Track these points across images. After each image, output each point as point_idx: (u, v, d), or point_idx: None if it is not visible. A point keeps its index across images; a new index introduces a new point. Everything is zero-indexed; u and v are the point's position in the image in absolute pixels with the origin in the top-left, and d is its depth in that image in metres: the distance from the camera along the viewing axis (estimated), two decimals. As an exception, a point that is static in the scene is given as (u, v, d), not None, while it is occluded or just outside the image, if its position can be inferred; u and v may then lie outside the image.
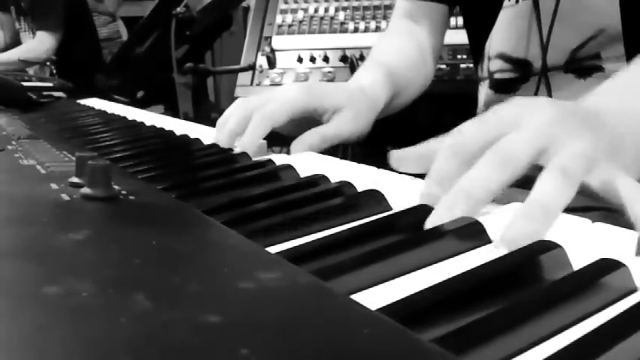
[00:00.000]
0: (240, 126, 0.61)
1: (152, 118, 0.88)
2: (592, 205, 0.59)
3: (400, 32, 0.86)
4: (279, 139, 0.63)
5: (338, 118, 0.63)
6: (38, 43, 2.51)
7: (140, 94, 2.01)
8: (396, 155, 0.45)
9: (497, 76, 0.76)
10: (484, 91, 0.81)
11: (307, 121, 0.63)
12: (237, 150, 0.59)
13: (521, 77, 0.73)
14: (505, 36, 0.75)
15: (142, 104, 1.77)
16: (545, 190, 0.34)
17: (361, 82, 0.72)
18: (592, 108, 0.41)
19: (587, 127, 0.38)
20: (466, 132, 0.39)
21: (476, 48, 0.82)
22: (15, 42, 2.66)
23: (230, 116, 0.62)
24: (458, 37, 0.90)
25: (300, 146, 0.59)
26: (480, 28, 0.79)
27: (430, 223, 0.35)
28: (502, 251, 0.32)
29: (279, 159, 0.53)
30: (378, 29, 1.55)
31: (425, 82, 0.85)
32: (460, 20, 1.19)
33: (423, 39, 0.85)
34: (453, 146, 0.39)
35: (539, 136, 0.37)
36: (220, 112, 0.65)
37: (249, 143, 0.58)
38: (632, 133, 0.40)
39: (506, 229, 0.33)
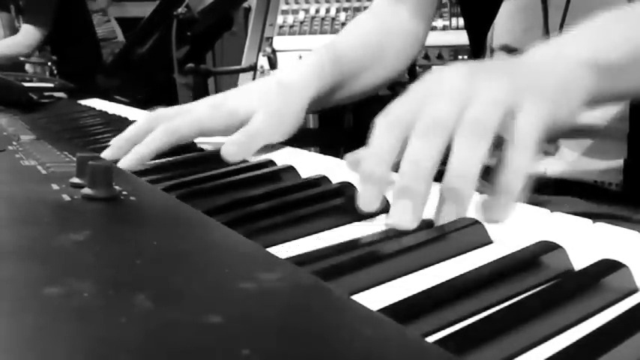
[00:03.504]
0: (137, 135, 0.56)
1: (153, 118, 0.87)
2: (595, 212, 0.59)
3: (375, 11, 0.81)
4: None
5: (254, 120, 0.59)
6: (21, 37, 2.47)
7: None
8: (350, 159, 0.44)
9: None
10: None
11: None
12: (122, 162, 0.53)
13: None
14: (509, 28, 0.74)
15: (142, 104, 1.77)
16: (461, 157, 0.35)
17: (284, 73, 0.66)
18: (510, 60, 0.44)
19: (497, 75, 0.39)
20: (393, 108, 0.40)
21: (477, 41, 0.81)
22: None
23: (133, 125, 0.58)
24: (458, 37, 0.89)
25: (228, 149, 0.55)
26: (480, 21, 0.78)
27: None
28: (501, 250, 0.32)
29: (279, 158, 0.53)
30: (378, 30, 1.55)
31: (395, 64, 0.79)
32: (460, 21, 1.18)
33: (404, 21, 0.79)
34: (386, 122, 0.39)
35: (455, 94, 0.37)
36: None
37: (142, 153, 0.54)
38: (550, 73, 0.42)
39: (437, 210, 0.35)
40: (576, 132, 0.62)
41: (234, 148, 0.55)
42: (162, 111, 0.60)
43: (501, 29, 0.75)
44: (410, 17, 0.79)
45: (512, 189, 0.36)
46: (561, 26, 0.67)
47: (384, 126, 0.39)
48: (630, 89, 0.49)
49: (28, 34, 2.47)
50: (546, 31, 0.69)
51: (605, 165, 0.61)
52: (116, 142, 0.57)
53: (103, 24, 2.95)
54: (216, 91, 2.80)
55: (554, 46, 0.46)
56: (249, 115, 0.59)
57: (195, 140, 0.61)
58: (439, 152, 0.36)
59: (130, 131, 0.57)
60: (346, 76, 0.70)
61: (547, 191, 0.63)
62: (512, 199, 0.36)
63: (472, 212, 0.36)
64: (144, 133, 0.56)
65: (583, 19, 0.50)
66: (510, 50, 0.73)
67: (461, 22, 1.06)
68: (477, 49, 0.81)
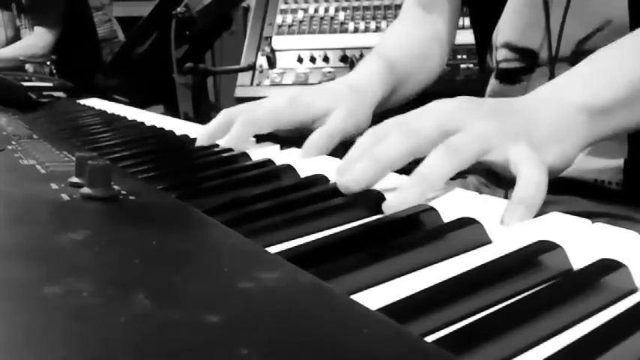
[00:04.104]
0: (219, 129, 0.61)
1: (152, 118, 0.88)
2: (595, 210, 0.60)
3: (411, 20, 0.85)
4: (283, 140, 0.63)
5: (334, 117, 0.62)
6: (36, 40, 2.49)
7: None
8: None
9: (502, 65, 0.75)
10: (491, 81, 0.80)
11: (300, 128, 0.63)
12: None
13: (527, 67, 0.72)
14: (512, 25, 0.74)
15: (141, 104, 1.77)
16: (428, 163, 0.39)
17: (354, 78, 0.71)
18: (510, 100, 0.46)
19: (490, 114, 0.42)
20: (386, 122, 0.45)
21: (482, 39, 0.81)
22: (15, 39, 2.65)
23: (211, 122, 0.63)
24: (458, 37, 0.89)
25: (311, 149, 0.58)
26: (486, 18, 0.78)
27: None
28: (500, 249, 0.32)
29: (278, 158, 0.53)
30: (378, 29, 1.55)
31: (435, 71, 0.84)
32: (460, 21, 1.18)
33: (436, 26, 0.84)
34: (375, 130, 0.45)
35: (444, 117, 0.42)
36: (221, 112, 0.65)
37: (231, 144, 0.59)
38: (545, 119, 0.44)
39: (391, 198, 0.38)
40: None
41: (315, 151, 0.58)
42: (239, 106, 0.65)
43: (504, 27, 0.75)
44: (442, 26, 0.84)
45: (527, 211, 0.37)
46: (562, 23, 0.67)
47: (371, 132, 0.45)
48: (624, 127, 0.49)
49: (42, 37, 2.48)
50: (547, 28, 0.69)
51: (606, 164, 0.61)
52: (200, 138, 0.62)
53: (103, 23, 2.93)
54: (216, 91, 2.76)
55: (549, 91, 0.47)
56: (325, 111, 0.63)
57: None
58: (404, 153, 0.40)
59: (211, 125, 0.62)
60: (400, 81, 0.75)
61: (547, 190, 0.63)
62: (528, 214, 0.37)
63: (472, 212, 0.36)
64: (225, 127, 0.61)
65: (583, 15, 0.50)
66: (512, 48, 0.73)
67: (460, 21, 1.06)
68: (483, 47, 0.81)
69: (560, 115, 0.44)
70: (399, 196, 0.38)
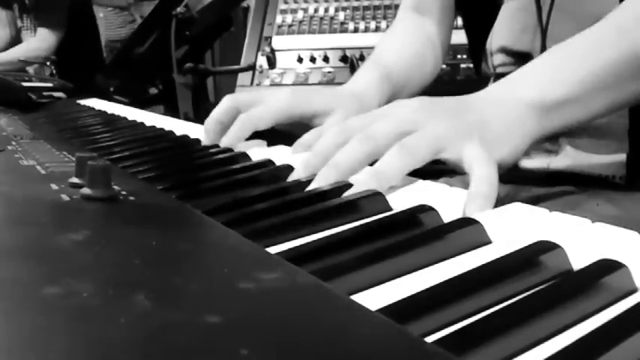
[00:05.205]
0: (225, 116, 0.63)
1: (152, 118, 0.88)
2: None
3: (405, 25, 0.87)
4: (281, 139, 0.63)
5: (331, 119, 0.63)
6: (39, 42, 2.49)
7: (152, 90, 2.01)
8: (299, 143, 0.55)
9: (499, 70, 0.76)
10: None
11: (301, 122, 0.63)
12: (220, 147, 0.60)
13: None
14: (507, 29, 0.74)
15: (142, 104, 1.77)
16: (382, 161, 0.42)
17: (353, 86, 0.73)
18: (465, 99, 0.48)
19: (445, 114, 0.45)
20: (349, 123, 0.48)
21: (477, 46, 0.82)
22: (16, 39, 2.64)
23: (217, 107, 0.64)
24: (458, 37, 0.89)
25: (301, 147, 0.58)
26: (480, 25, 0.79)
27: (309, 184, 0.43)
28: (500, 250, 0.32)
29: (279, 157, 0.53)
30: (378, 29, 1.55)
31: (429, 75, 0.85)
32: (460, 20, 1.19)
33: (430, 29, 0.85)
34: (337, 129, 0.48)
35: (400, 120, 0.44)
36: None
37: (229, 143, 0.60)
38: (497, 117, 0.46)
39: (347, 194, 0.41)
40: (578, 131, 0.63)
41: (305, 150, 0.58)
42: (241, 97, 0.65)
43: (499, 32, 0.75)
44: (437, 27, 0.85)
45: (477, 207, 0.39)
46: (546, 22, 0.68)
47: (334, 132, 0.47)
48: (574, 122, 0.51)
49: (46, 38, 2.48)
50: (541, 30, 0.69)
51: (609, 159, 0.62)
52: (206, 125, 0.64)
53: (127, 24, 2.91)
54: (215, 91, 2.76)
55: (503, 87, 0.50)
56: (325, 109, 0.64)
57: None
58: (361, 159, 0.44)
59: (216, 112, 0.63)
60: (396, 89, 0.76)
61: (550, 183, 0.64)
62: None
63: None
64: (230, 115, 0.62)
65: (576, 16, 0.51)
66: (508, 52, 0.73)
67: (459, 21, 1.06)
68: (477, 52, 0.81)
69: (511, 112, 0.46)
70: (355, 191, 0.41)
